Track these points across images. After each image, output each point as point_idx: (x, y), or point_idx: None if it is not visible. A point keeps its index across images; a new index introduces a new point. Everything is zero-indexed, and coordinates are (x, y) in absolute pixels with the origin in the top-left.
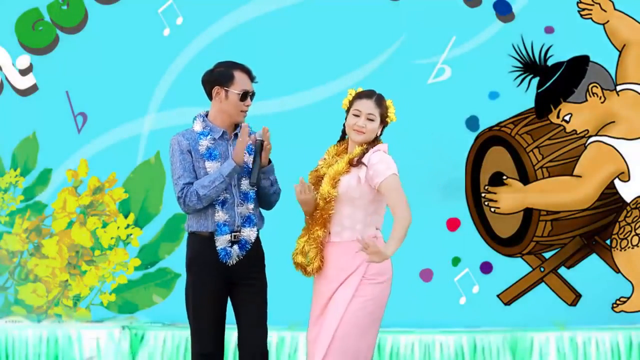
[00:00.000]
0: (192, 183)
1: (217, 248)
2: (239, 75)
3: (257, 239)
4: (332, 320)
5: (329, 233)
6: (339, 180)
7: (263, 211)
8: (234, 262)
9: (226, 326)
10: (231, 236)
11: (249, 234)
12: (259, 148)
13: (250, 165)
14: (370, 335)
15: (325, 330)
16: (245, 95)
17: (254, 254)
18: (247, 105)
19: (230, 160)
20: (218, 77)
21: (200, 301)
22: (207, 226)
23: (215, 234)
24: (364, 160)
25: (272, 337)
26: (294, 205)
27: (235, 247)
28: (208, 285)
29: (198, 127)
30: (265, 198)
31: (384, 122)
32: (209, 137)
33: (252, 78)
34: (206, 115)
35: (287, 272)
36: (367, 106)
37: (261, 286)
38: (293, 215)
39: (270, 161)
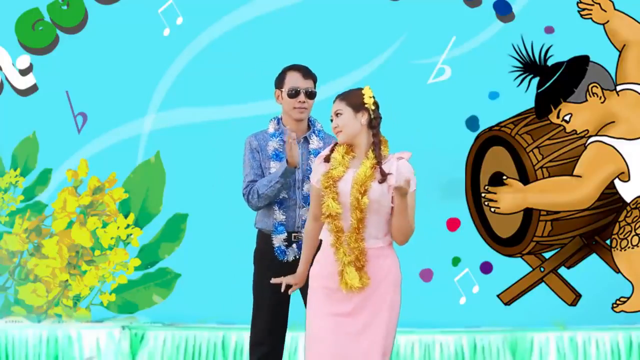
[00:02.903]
0: (255, 181)
1: (274, 246)
2: (289, 75)
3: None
4: (379, 337)
5: None
6: (370, 186)
7: None
8: (290, 259)
9: (226, 326)
10: (291, 236)
11: None
12: None
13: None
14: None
15: (375, 347)
16: (294, 93)
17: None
18: (300, 102)
19: (284, 162)
20: (275, 80)
21: (260, 294)
22: (269, 224)
23: (272, 232)
24: (387, 168)
25: None
26: None
27: (294, 246)
28: (267, 279)
29: (271, 128)
30: None
31: (361, 110)
32: (278, 138)
33: (307, 75)
34: (281, 118)
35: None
36: (334, 106)
37: None
38: None
39: None
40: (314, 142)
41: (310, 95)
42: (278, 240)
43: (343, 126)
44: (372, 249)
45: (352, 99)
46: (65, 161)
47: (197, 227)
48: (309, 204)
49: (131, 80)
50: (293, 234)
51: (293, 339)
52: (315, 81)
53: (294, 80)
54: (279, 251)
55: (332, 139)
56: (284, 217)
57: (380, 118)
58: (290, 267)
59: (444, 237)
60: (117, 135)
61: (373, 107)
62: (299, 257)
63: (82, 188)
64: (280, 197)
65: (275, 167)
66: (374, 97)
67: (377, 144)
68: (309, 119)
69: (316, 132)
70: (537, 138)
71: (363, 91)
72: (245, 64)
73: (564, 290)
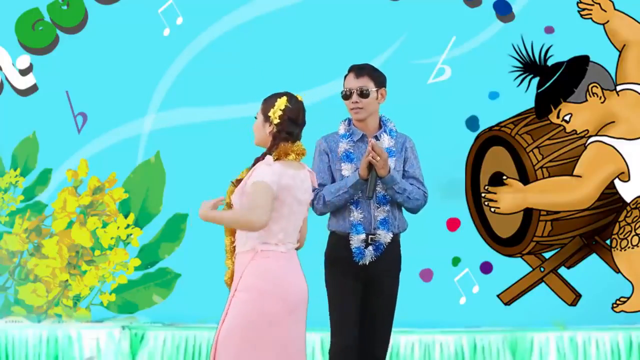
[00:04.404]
0: (323, 185)
1: (352, 247)
2: (347, 77)
3: (395, 240)
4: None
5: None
6: (232, 191)
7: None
8: (367, 262)
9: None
10: (367, 237)
11: (384, 236)
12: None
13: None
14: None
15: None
16: (347, 94)
17: (390, 256)
18: (353, 102)
19: (356, 173)
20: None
21: (335, 296)
22: (345, 226)
23: (351, 233)
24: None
25: None
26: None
27: (370, 247)
28: (342, 281)
29: (341, 130)
30: (400, 205)
31: (268, 120)
32: (348, 139)
33: (359, 74)
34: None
35: None
36: None
37: (390, 289)
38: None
39: (389, 172)
40: (385, 141)
41: (363, 94)
42: (356, 240)
43: (254, 131)
44: (237, 253)
45: (266, 106)
46: (65, 161)
47: (197, 227)
48: (385, 204)
49: (131, 80)
50: (369, 236)
51: None
52: (373, 77)
53: (347, 81)
54: (357, 252)
55: (405, 138)
56: (362, 216)
57: (288, 132)
58: (366, 270)
59: (444, 237)
60: (117, 135)
61: (277, 121)
62: (374, 259)
63: (82, 188)
64: (356, 197)
65: (346, 168)
66: (286, 109)
67: (265, 153)
68: (380, 118)
69: (387, 130)
70: (537, 138)
71: (278, 102)
72: (245, 64)
73: (564, 290)
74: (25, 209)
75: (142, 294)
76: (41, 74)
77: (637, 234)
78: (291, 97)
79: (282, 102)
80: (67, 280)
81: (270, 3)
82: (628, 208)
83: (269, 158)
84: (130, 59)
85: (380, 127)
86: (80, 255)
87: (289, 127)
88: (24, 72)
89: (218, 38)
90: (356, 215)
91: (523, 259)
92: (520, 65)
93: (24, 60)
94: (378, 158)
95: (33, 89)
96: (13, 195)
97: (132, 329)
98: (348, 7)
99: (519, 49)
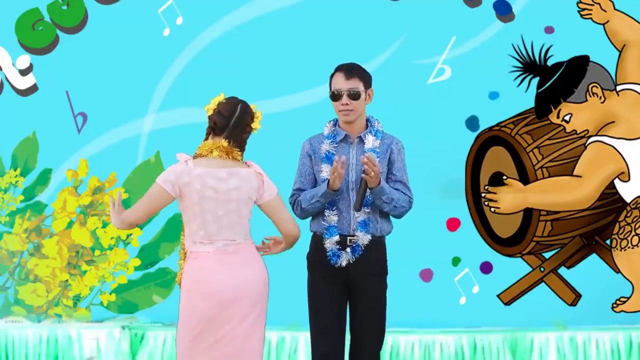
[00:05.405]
0: (301, 190)
1: (327, 250)
2: (335, 77)
3: (379, 243)
4: None
5: None
6: None
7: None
8: (344, 264)
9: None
10: (345, 239)
11: (362, 237)
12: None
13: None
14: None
15: None
16: (336, 95)
17: (372, 259)
18: (343, 104)
19: (325, 183)
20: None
21: (314, 303)
22: (321, 228)
23: (324, 235)
24: None
25: (272, 337)
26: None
27: (348, 250)
28: (323, 284)
29: (326, 130)
30: (386, 213)
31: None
32: (330, 140)
33: (349, 75)
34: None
35: (286, 272)
36: None
37: (376, 292)
38: None
39: (379, 183)
40: (369, 142)
41: (354, 96)
42: (330, 243)
43: None
44: None
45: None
46: (65, 161)
47: None
48: (365, 206)
49: (131, 80)
50: (348, 237)
51: (293, 338)
52: (362, 78)
53: (336, 81)
54: (331, 254)
55: (392, 139)
56: (337, 218)
57: (214, 123)
58: (346, 273)
59: (444, 237)
60: (117, 135)
61: (210, 113)
62: (357, 262)
63: (82, 188)
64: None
65: (326, 170)
66: (219, 104)
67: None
68: (367, 118)
69: (373, 131)
70: (537, 138)
71: (215, 97)
72: (245, 64)
73: (564, 290)
74: (25, 209)
75: (142, 294)
76: (41, 74)
77: (637, 234)
78: (231, 98)
79: (218, 98)
80: (67, 280)
81: (270, 3)
82: (628, 208)
83: (182, 155)
84: (130, 59)
85: (366, 127)
86: (80, 255)
87: (216, 117)
88: (24, 72)
89: (218, 38)
90: (330, 217)
91: (523, 259)
92: (520, 65)
93: (24, 60)
94: (372, 173)
95: (33, 89)
96: (13, 195)
97: (132, 329)
98: (348, 7)
99: (519, 49)
